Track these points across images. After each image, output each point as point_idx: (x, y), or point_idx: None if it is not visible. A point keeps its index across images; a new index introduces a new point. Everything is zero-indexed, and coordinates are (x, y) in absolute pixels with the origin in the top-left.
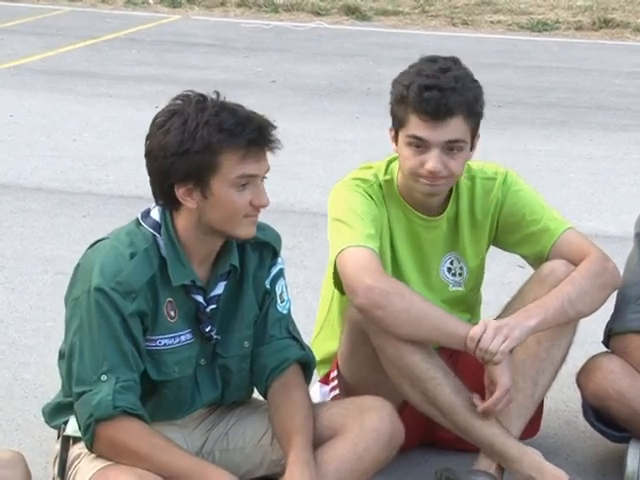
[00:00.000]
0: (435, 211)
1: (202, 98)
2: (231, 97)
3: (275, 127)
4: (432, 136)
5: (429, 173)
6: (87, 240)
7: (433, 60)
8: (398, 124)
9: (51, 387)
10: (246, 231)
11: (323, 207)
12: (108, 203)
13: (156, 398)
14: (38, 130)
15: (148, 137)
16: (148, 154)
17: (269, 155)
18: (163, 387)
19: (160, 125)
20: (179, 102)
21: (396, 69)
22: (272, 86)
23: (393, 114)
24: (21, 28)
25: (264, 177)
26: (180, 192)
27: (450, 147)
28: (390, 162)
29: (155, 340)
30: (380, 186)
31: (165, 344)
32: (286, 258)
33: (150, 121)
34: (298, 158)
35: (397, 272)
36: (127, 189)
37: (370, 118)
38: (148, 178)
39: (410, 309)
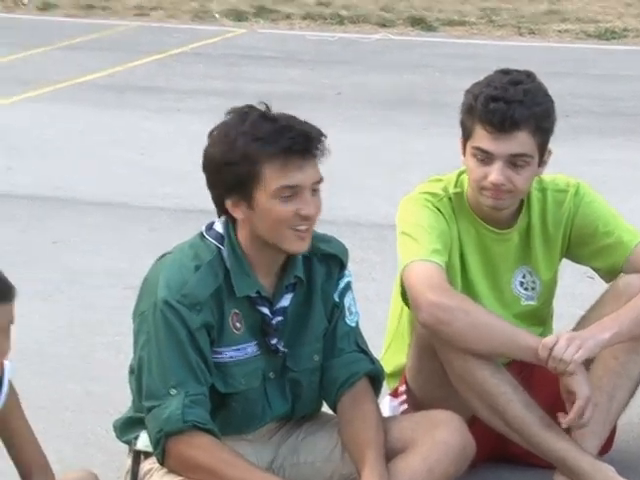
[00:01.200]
0: (506, 224)
1: (247, 109)
2: (296, 110)
3: (322, 134)
4: (496, 148)
5: (492, 185)
6: (155, 254)
7: (506, 72)
8: (466, 135)
9: (122, 402)
10: (294, 245)
11: (391, 219)
12: (175, 217)
13: (225, 412)
14: (106, 144)
15: (203, 151)
16: (203, 168)
17: (322, 165)
18: (231, 400)
19: (209, 138)
20: (229, 115)
21: (463, 80)
22: (338, 98)
23: (462, 124)
24: (90, 44)
25: (315, 189)
26: (229, 204)
27: (514, 161)
28: (460, 174)
29: (221, 352)
30: (450, 199)
31: (231, 356)
32: (355, 271)
33: None
34: (366, 170)
35: (468, 287)
36: (194, 203)
37: (439, 129)
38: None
39: (476, 324)
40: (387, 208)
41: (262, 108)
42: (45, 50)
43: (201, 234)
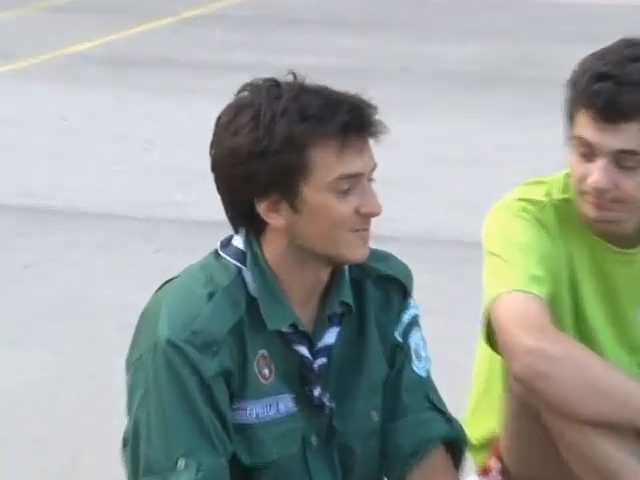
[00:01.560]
0: (631, 241)
1: (275, 83)
2: (346, 89)
3: (374, 107)
4: (599, 140)
5: (592, 190)
6: (162, 282)
7: (630, 44)
8: (570, 120)
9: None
10: (356, 251)
11: (474, 235)
12: (189, 233)
13: None
14: (98, 137)
15: (212, 145)
16: (214, 166)
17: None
18: (260, 475)
19: (225, 126)
20: (245, 94)
21: (575, 50)
22: (402, 75)
23: (566, 108)
24: (77, 4)
25: (370, 178)
26: (263, 208)
27: (621, 161)
28: (569, 175)
29: (245, 409)
30: (555, 208)
31: (258, 415)
32: (428, 303)
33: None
34: (439, 170)
35: (580, 326)
36: (214, 213)
37: (537, 115)
38: (220, 199)
39: (586, 379)
40: (468, 219)
41: (290, 79)
42: (18, 14)
43: (216, 252)
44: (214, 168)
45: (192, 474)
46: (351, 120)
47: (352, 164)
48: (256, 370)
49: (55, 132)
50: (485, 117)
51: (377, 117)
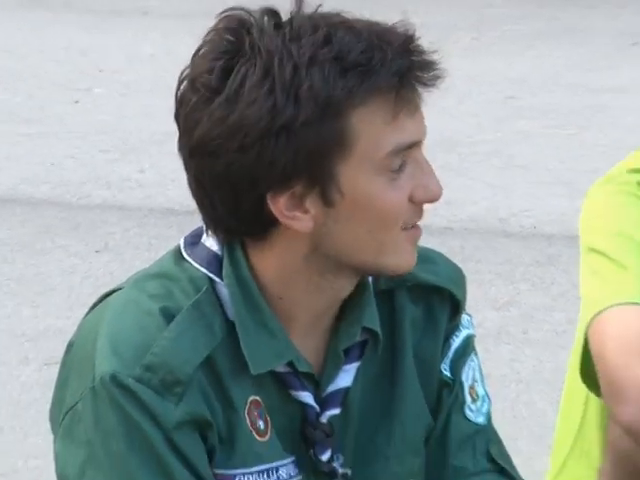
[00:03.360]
0: None
1: (275, 17)
2: (387, 10)
3: (418, 38)
4: None
5: None
6: (98, 297)
7: None
8: None
9: None
10: (406, 258)
11: (569, 224)
12: (145, 225)
13: None
14: (6, 83)
15: (187, 118)
16: (198, 153)
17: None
18: None
19: (214, 89)
20: (230, 38)
21: None
22: None
23: None
24: None
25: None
26: (280, 206)
27: None
28: None
29: (232, 477)
30: None
31: None
32: (495, 324)
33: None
34: (517, 127)
35: None
36: (182, 196)
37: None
38: (195, 196)
39: None
40: (557, 202)
41: (296, 9)
42: None
43: (177, 253)
44: (199, 154)
45: None
46: (410, 65)
47: (408, 130)
48: (248, 423)
49: None
50: (579, 49)
51: (435, 55)
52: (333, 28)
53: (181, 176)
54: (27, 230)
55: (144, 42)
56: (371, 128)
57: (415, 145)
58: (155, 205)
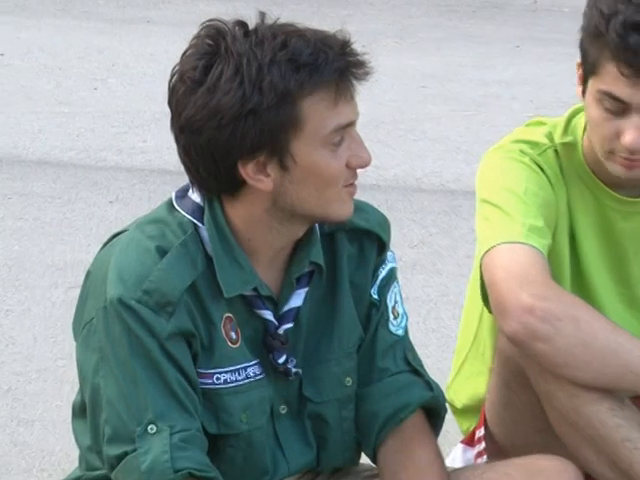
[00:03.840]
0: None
1: (244, 27)
2: (329, 19)
3: (353, 43)
4: (634, 97)
5: (625, 150)
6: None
7: None
8: (589, 67)
9: (65, 456)
10: (345, 208)
11: (467, 182)
12: (147, 182)
13: (218, 463)
14: (42, 75)
15: (177, 103)
16: (187, 129)
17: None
18: (227, 446)
19: (198, 82)
20: (210, 42)
21: None
22: (388, 2)
23: (583, 50)
24: None
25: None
26: (248, 171)
27: None
28: (572, 116)
29: (211, 375)
30: (556, 152)
31: (226, 380)
32: (411, 258)
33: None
34: (428, 109)
35: (580, 281)
36: (174, 160)
37: (537, 47)
38: (183, 162)
39: (589, 341)
40: (461, 165)
41: (260, 21)
42: None
43: (169, 204)
44: (186, 131)
45: (165, 439)
46: (347, 64)
47: (345, 113)
48: (223, 334)
49: None
50: (478, 50)
51: (366, 56)
52: (288, 36)
53: (174, 146)
54: (57, 186)
55: (147, 44)
56: (317, 112)
57: (350, 124)
58: (154, 167)
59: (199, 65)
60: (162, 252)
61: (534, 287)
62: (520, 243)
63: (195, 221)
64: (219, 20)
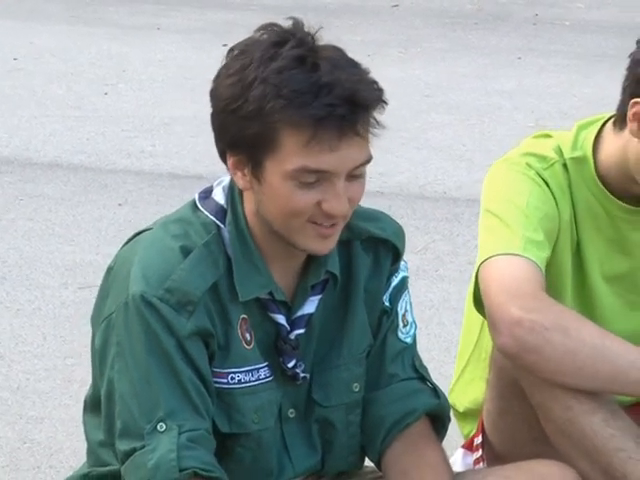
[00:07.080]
0: None
1: (285, 36)
2: (335, 30)
3: (380, 100)
4: None
5: None
6: (125, 238)
7: None
8: (629, 99)
9: (73, 453)
10: (311, 243)
11: (469, 190)
12: (155, 185)
13: (227, 463)
14: (53, 80)
15: (215, 76)
16: (211, 97)
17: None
18: (237, 446)
19: (226, 63)
20: (263, 34)
21: None
22: (393, 12)
23: (631, 88)
24: None
25: (356, 174)
26: (231, 163)
27: None
28: (581, 129)
29: (226, 375)
30: (565, 167)
31: (240, 381)
32: (414, 264)
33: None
34: (431, 118)
35: (583, 293)
36: (183, 165)
37: (538, 59)
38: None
39: (579, 348)
40: (463, 173)
41: (305, 37)
42: None
43: (193, 204)
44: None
45: (173, 437)
46: (326, 117)
47: (319, 160)
48: (239, 335)
49: (5, 74)
50: (481, 61)
51: (375, 111)
52: (298, 61)
53: (182, 150)
54: (67, 188)
55: (156, 50)
56: (290, 145)
57: (328, 173)
58: (163, 171)
59: (236, 51)
60: (186, 252)
61: (523, 300)
62: (517, 255)
63: (218, 222)
64: (276, 26)
